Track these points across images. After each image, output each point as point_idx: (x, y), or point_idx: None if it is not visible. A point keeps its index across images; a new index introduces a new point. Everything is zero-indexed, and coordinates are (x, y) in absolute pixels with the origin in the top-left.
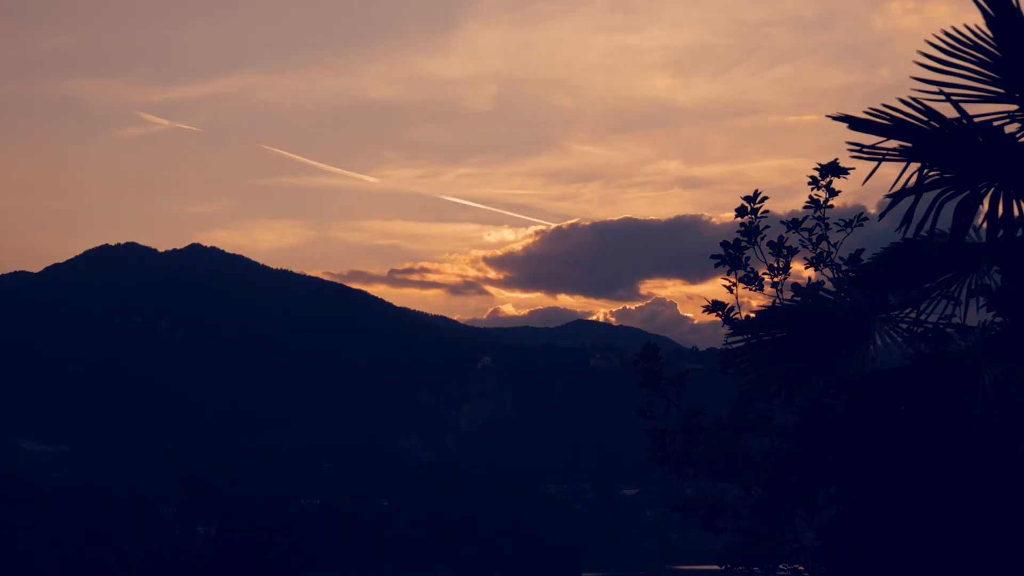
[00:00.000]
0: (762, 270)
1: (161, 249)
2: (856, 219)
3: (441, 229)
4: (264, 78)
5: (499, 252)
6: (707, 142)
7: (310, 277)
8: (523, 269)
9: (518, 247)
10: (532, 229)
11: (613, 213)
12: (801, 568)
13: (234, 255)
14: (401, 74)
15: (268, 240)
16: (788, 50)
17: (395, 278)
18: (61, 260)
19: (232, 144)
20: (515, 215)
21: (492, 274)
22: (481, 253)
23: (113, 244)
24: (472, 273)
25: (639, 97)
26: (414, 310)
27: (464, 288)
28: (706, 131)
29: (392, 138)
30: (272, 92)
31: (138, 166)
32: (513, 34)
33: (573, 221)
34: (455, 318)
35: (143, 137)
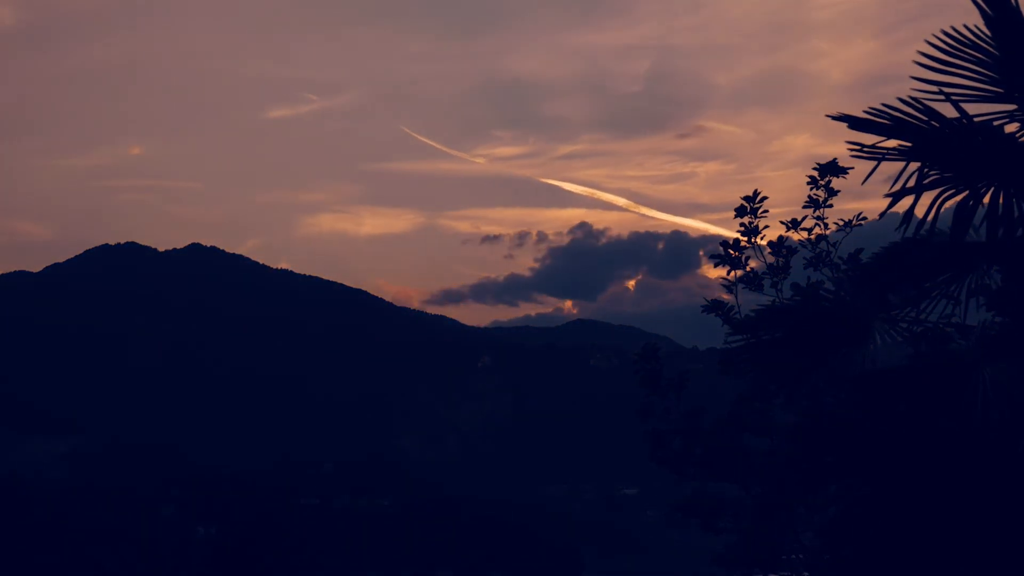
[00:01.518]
0: (760, 265)
1: (161, 249)
2: (855, 218)
3: (536, 216)
4: (413, 52)
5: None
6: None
7: (310, 277)
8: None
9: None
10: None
11: (718, 197)
12: (802, 568)
13: (234, 255)
14: (549, 48)
15: (372, 226)
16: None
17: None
18: (61, 260)
19: (368, 124)
20: (612, 198)
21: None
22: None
23: (113, 244)
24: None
25: (789, 66)
26: (414, 310)
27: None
28: (851, 102)
29: (523, 118)
30: (417, 68)
31: (268, 147)
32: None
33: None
34: (455, 318)
35: (288, 117)
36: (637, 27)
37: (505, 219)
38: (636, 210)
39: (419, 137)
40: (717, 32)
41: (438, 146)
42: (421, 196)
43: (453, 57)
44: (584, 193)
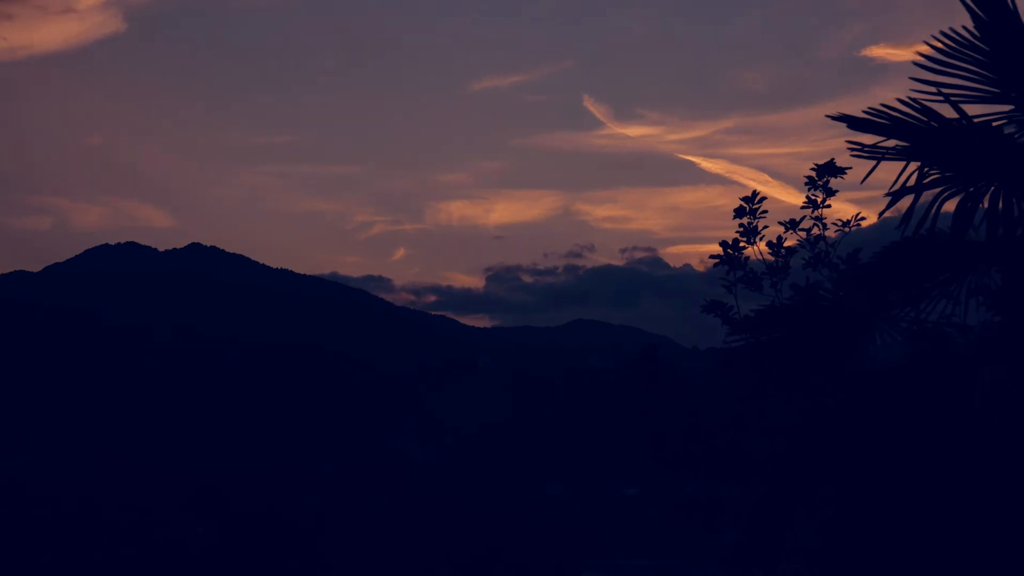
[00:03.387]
0: (760, 260)
1: (161, 248)
2: (854, 219)
3: (665, 199)
4: (617, 22)
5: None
6: None
7: (311, 276)
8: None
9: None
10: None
11: (852, 174)
12: (802, 568)
13: (234, 254)
14: (759, 12)
15: (502, 212)
16: None
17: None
18: (61, 260)
19: (546, 98)
20: (753, 174)
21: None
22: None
23: (113, 244)
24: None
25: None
26: (413, 309)
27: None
28: None
29: (700, 90)
30: (620, 38)
31: (445, 123)
32: None
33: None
34: (455, 318)
35: (487, 90)
36: None
37: (626, 199)
38: (766, 190)
39: (591, 108)
40: None
41: (605, 119)
42: (560, 176)
43: (654, 23)
44: (720, 171)
